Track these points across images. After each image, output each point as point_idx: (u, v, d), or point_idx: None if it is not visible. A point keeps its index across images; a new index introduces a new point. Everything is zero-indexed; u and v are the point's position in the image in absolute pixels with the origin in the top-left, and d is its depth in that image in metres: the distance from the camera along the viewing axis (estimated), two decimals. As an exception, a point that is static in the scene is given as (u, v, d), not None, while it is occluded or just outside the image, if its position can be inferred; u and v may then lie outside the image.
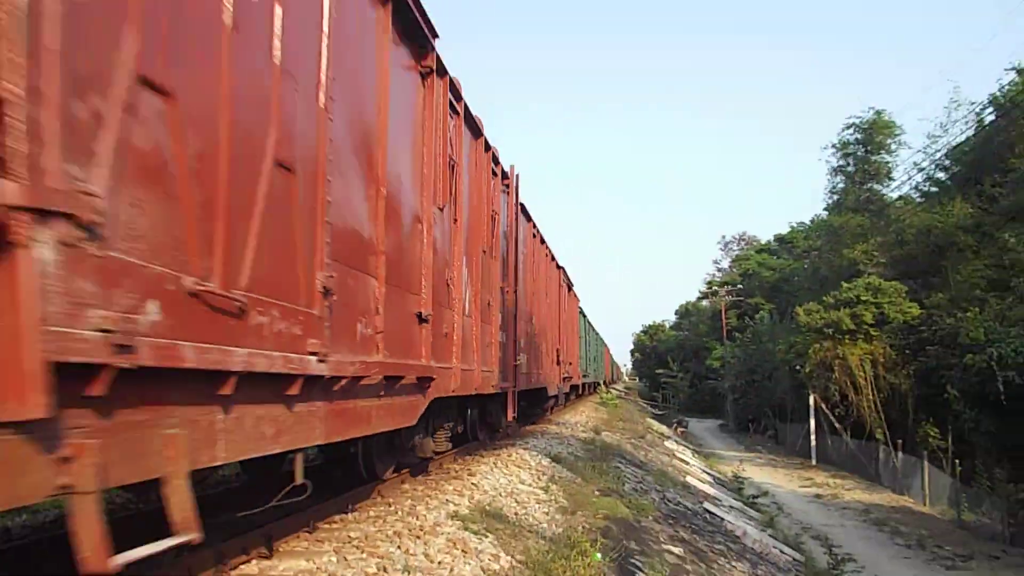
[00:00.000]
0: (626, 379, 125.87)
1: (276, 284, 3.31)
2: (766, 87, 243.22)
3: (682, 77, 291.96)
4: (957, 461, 21.70)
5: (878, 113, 38.34)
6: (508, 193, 9.88)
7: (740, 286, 58.22)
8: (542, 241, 14.19)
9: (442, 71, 6.25)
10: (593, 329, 35.66)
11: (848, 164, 39.77)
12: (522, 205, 11.10)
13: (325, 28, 3.90)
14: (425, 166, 5.89)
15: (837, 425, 29.32)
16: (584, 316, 28.21)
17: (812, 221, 49.19)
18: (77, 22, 2.09)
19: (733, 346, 50.07)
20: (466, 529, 5.50)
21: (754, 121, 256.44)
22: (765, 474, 27.14)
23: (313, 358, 3.56)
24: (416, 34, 5.56)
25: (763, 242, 69.12)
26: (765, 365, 39.21)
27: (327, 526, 5.47)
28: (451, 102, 6.62)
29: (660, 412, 54.52)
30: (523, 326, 10.70)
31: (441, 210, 6.27)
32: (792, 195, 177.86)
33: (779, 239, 59.95)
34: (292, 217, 3.50)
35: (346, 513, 5.88)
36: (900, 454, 24.61)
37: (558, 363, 15.84)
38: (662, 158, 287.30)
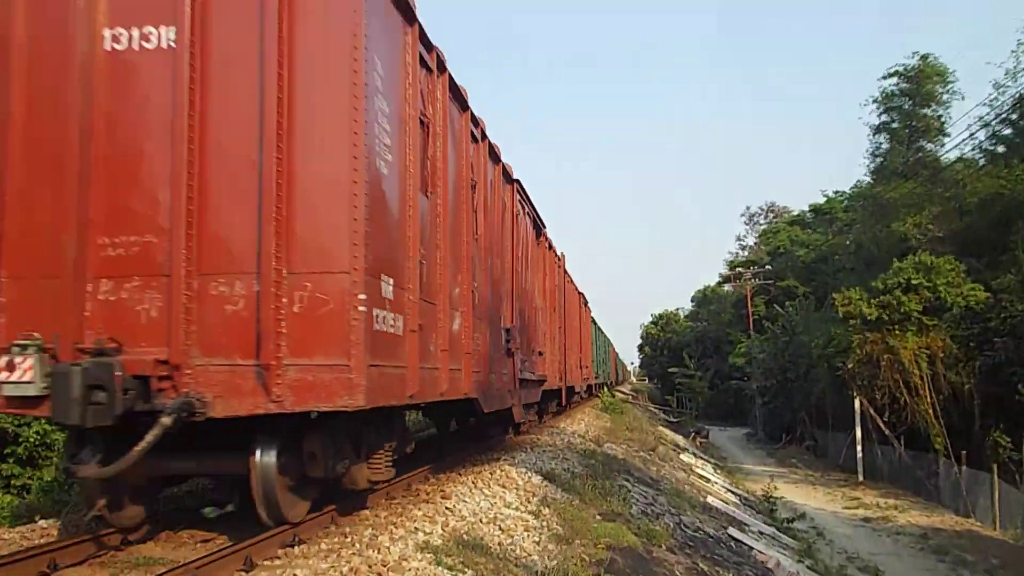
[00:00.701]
0: (633, 380, 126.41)
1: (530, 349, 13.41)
2: (792, 38, 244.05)
3: (694, 30, 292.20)
4: (1032, 474, 21.95)
5: (924, 58, 38.45)
6: (560, 267, 19.03)
7: (769, 267, 58.37)
8: (572, 282, 22.94)
9: (544, 235, 16.13)
10: (602, 333, 42.78)
11: (893, 120, 39.97)
12: (567, 273, 20.89)
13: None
14: (547, 292, 15.82)
15: (888, 433, 29.58)
16: (594, 323, 35.11)
17: (854, 188, 49.42)
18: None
19: (761, 339, 50.36)
20: (439, 563, 5.44)
21: (778, 76, 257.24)
22: (802, 493, 27.40)
23: (535, 374, 13.39)
24: (539, 227, 14.85)
25: (795, 213, 69.53)
26: (800, 362, 39.52)
27: (267, 563, 5.37)
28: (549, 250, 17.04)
29: (675, 419, 54.84)
30: (566, 348, 19.84)
31: (548, 308, 16.12)
32: (828, 159, 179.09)
33: (814, 210, 60.07)
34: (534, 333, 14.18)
35: (291, 547, 5.77)
36: (964, 467, 24.88)
37: (580, 367, 24.78)
38: (669, 121, 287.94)
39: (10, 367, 5.22)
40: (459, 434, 14.27)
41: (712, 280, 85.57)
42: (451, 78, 8.10)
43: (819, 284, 47.95)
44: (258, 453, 5.65)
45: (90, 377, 5.02)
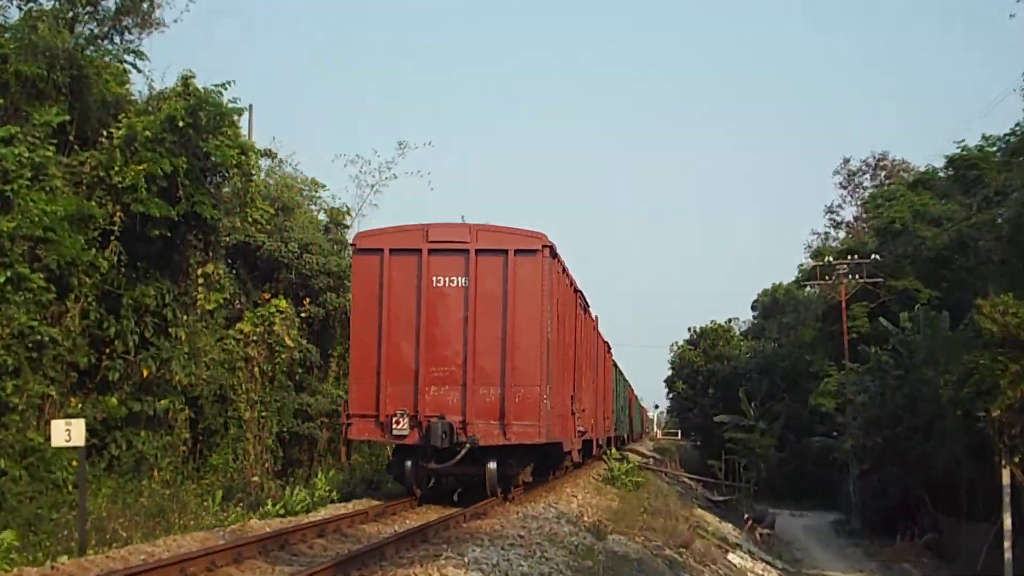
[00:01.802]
0: (657, 434, 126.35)
1: (566, 408, 26.76)
2: None
3: None
4: None
5: None
6: (595, 328, 36.12)
7: (876, 256, 57.89)
8: (601, 335, 38.86)
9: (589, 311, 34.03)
10: (621, 375, 56.33)
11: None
12: (599, 332, 38.65)
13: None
14: (587, 354, 32.25)
15: (1050, 521, 30.05)
16: (616, 367, 49.36)
17: (1012, 133, 48.92)
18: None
19: (861, 370, 49.91)
20: None
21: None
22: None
23: (583, 427, 29.54)
24: (586, 307, 31.39)
25: (921, 170, 67.49)
26: (921, 408, 39.60)
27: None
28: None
29: (721, 497, 54.93)
30: (596, 402, 34.92)
31: (587, 369, 33.21)
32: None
33: (953, 163, 57.28)
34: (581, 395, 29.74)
35: None
36: None
37: (604, 419, 38.83)
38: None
39: (396, 423, 19.58)
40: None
41: (786, 277, 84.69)
42: (563, 266, 22.69)
43: (953, 286, 48.15)
44: (490, 464, 19.97)
45: (443, 426, 19.26)
